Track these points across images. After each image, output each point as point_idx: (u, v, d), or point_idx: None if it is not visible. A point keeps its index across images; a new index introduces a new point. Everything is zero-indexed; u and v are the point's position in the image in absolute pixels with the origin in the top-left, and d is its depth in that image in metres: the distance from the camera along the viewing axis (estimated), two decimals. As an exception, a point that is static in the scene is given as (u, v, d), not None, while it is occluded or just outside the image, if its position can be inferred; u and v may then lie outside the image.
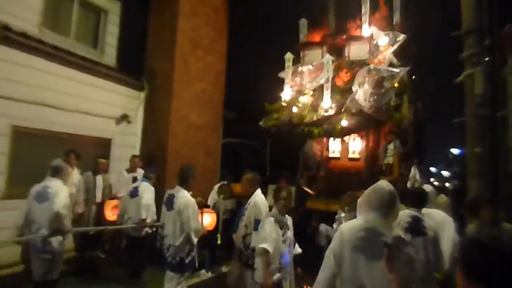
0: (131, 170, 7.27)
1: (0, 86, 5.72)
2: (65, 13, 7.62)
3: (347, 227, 2.71)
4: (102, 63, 7.90)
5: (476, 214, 3.61)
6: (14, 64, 5.96)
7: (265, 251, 3.64)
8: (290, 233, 4.00)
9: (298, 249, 4.29)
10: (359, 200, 2.79)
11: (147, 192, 5.87)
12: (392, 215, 2.63)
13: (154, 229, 5.93)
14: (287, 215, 4.07)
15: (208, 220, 5.73)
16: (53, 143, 6.59)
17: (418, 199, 4.02)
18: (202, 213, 5.24)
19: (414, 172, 6.50)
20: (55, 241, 4.33)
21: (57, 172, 4.52)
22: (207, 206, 6.64)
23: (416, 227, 3.77)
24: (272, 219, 3.86)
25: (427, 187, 4.90)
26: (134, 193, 5.90)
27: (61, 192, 4.35)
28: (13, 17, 6.13)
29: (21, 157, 6.07)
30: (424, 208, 4.06)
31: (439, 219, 4.19)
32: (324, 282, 2.60)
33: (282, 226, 3.89)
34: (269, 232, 3.73)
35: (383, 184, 2.70)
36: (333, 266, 2.58)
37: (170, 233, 4.40)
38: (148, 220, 5.80)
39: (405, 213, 3.83)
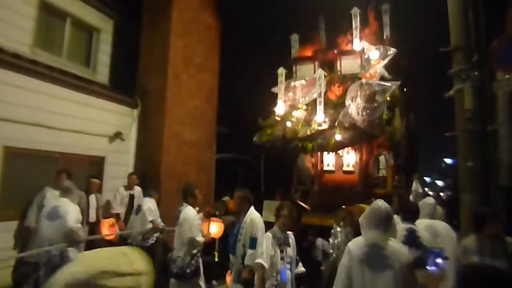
0: (128, 187, 7.31)
1: (-8, 107, 5.70)
2: (57, 32, 7.65)
3: (354, 244, 3.05)
4: (95, 81, 7.91)
5: (478, 229, 3.63)
6: (6, 84, 5.94)
7: (261, 267, 3.62)
8: (290, 251, 3.96)
9: (301, 268, 4.22)
10: (360, 219, 3.16)
11: (149, 202, 6.19)
12: (390, 230, 3.02)
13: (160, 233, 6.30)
14: (289, 232, 4.04)
15: (215, 228, 5.84)
16: (47, 163, 6.55)
17: (411, 214, 4.36)
18: (209, 222, 5.48)
19: (416, 186, 6.53)
20: (72, 253, 4.57)
21: (67, 193, 4.93)
22: (215, 216, 6.69)
23: (412, 238, 4.04)
24: (270, 235, 3.84)
25: (429, 200, 5.05)
26: (138, 210, 6.13)
27: (71, 209, 4.79)
28: (4, 38, 6.15)
29: (14, 178, 6.02)
30: (429, 220, 4.50)
31: (443, 232, 4.40)
32: None
33: (281, 243, 3.87)
34: (266, 248, 3.72)
35: (380, 203, 3.10)
36: (345, 278, 2.95)
37: (175, 245, 4.88)
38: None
39: (400, 227, 4.04)
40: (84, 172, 7.30)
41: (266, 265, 3.63)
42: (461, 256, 3.66)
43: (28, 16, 6.79)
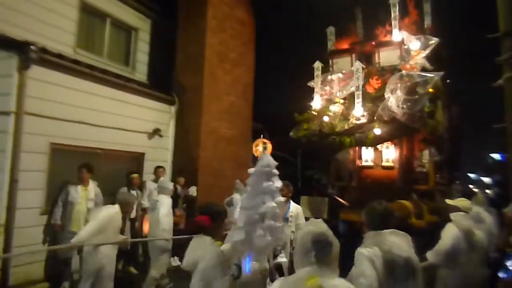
0: (156, 180, 7.39)
1: (38, 106, 5.94)
2: (98, 33, 7.92)
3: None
4: (134, 79, 8.12)
5: None
6: (51, 84, 6.20)
7: None
8: None
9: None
10: None
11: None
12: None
13: None
14: None
15: None
16: (89, 159, 6.77)
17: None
18: None
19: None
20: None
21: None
22: None
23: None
24: None
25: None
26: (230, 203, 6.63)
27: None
28: (49, 40, 6.42)
29: (59, 173, 6.27)
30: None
31: None
32: None
33: None
34: None
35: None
36: None
37: None
38: None
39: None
40: (125, 168, 7.51)
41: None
42: None
43: (71, 18, 7.07)
